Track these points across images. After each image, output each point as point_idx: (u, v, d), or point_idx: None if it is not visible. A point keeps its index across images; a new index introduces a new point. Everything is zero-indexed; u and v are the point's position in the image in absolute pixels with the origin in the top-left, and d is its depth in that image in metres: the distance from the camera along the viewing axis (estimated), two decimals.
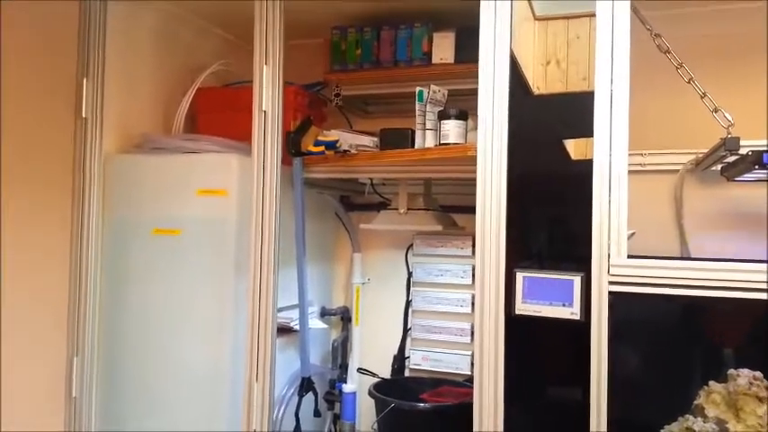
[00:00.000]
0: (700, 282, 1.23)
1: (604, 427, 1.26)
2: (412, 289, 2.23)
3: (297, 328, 1.88)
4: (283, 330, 1.94)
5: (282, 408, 1.88)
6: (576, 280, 1.29)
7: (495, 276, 1.35)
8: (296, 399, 1.86)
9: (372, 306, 2.28)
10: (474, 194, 1.38)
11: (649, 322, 1.30)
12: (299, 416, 1.82)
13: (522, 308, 1.33)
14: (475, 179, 1.39)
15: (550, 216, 1.37)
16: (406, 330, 2.23)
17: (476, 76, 1.45)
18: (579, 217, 1.31)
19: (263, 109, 1.62)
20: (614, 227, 1.28)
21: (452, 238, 2.17)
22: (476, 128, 1.38)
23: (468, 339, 2.14)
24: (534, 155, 1.42)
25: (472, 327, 2.14)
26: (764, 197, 1.76)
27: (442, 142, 1.54)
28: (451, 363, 2.15)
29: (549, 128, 1.48)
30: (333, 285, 2.34)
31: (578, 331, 1.29)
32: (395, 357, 2.22)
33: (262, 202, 1.60)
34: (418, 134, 1.62)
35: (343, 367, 2.23)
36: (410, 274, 2.23)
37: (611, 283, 1.28)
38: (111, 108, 1.87)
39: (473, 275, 2.13)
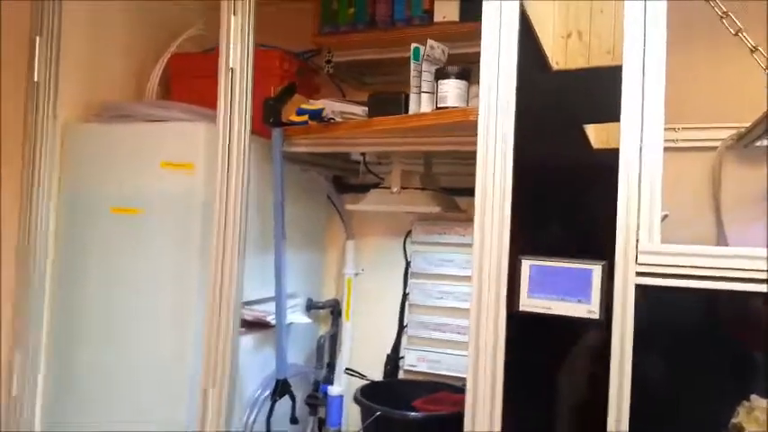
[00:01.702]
0: (750, 274, 0.99)
1: None
2: (410, 281, 2.00)
3: (273, 322, 1.67)
4: (259, 325, 1.72)
5: (255, 412, 1.66)
6: (596, 270, 1.05)
7: (497, 265, 1.12)
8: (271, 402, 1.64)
9: (365, 299, 2.06)
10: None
11: (684, 323, 1.06)
12: (273, 422, 1.60)
13: (528, 303, 1.09)
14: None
15: (565, 199, 1.13)
16: (401, 327, 2.00)
17: None
18: (600, 199, 1.07)
19: (231, 66, 1.40)
20: (645, 204, 1.03)
21: (455, 225, 1.94)
22: None
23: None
24: (550, 133, 1.18)
25: None
26: None
27: (439, 106, 1.31)
28: (451, 365, 1.92)
29: (568, 106, 1.23)
30: (323, 276, 2.12)
31: (596, 333, 1.05)
32: (388, 357, 2.00)
33: (227, 175, 1.38)
34: (413, 98, 1.38)
35: (330, 367, 2.00)
36: (408, 264, 2.00)
37: (640, 274, 1.03)
38: (73, 73, 1.66)
39: None
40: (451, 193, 1.80)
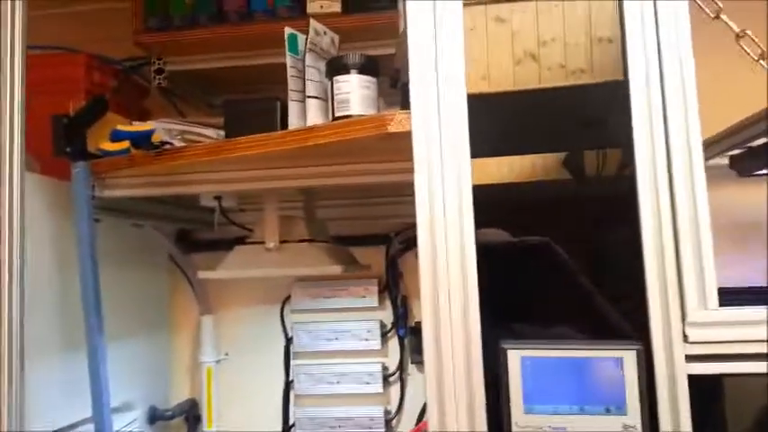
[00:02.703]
0: None
1: None
2: (293, 363, 1.49)
3: None
4: None
5: None
6: (628, 357, 0.64)
7: (464, 362, 0.67)
8: None
9: (234, 395, 1.51)
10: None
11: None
12: None
13: (527, 423, 0.66)
14: (406, 183, 0.73)
15: (561, 251, 0.73)
16: (287, 429, 1.48)
17: (376, 35, 1.03)
18: (621, 250, 0.69)
19: None
20: (688, 252, 0.66)
21: (349, 284, 1.48)
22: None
23: (381, 431, 1.44)
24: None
25: (386, 413, 1.45)
26: None
27: (338, 115, 0.85)
28: None
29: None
30: (170, 369, 1.53)
31: None
32: None
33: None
34: (293, 107, 0.92)
35: None
36: (289, 341, 1.49)
37: (692, 358, 0.65)
38: None
39: (382, 335, 1.46)
40: (344, 243, 1.34)
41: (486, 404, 0.66)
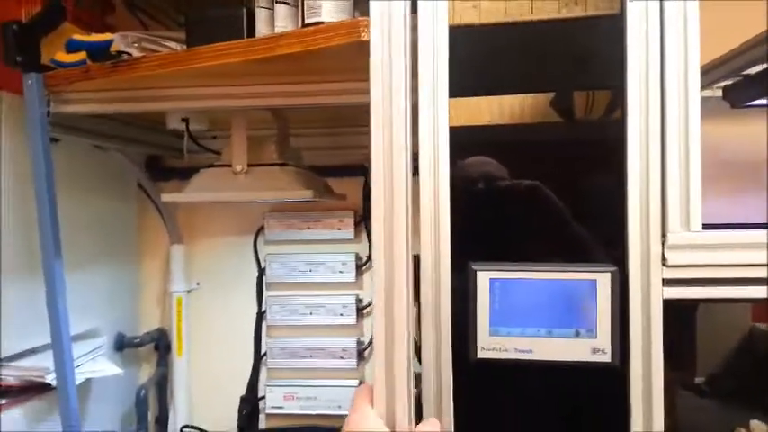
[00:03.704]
0: None
1: None
2: (266, 294, 1.47)
3: (55, 383, 1.05)
4: (33, 390, 1.09)
5: None
6: (602, 279, 0.62)
7: (432, 282, 0.64)
8: None
9: (204, 324, 1.49)
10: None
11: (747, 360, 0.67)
12: None
13: (492, 344, 0.63)
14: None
15: (538, 167, 0.68)
16: (258, 358, 1.47)
17: None
18: (600, 162, 0.65)
19: None
20: (674, 166, 0.62)
21: (324, 216, 1.44)
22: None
23: (353, 362, 1.43)
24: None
25: (359, 343, 1.44)
26: None
27: (307, 22, 0.79)
28: (332, 400, 1.43)
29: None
30: (140, 298, 1.50)
31: (607, 391, 0.63)
32: (242, 400, 1.45)
33: None
34: (260, 14, 0.85)
35: (161, 424, 1.42)
36: (262, 272, 1.47)
37: (669, 282, 0.62)
38: None
39: (357, 267, 1.43)
40: (320, 173, 1.29)
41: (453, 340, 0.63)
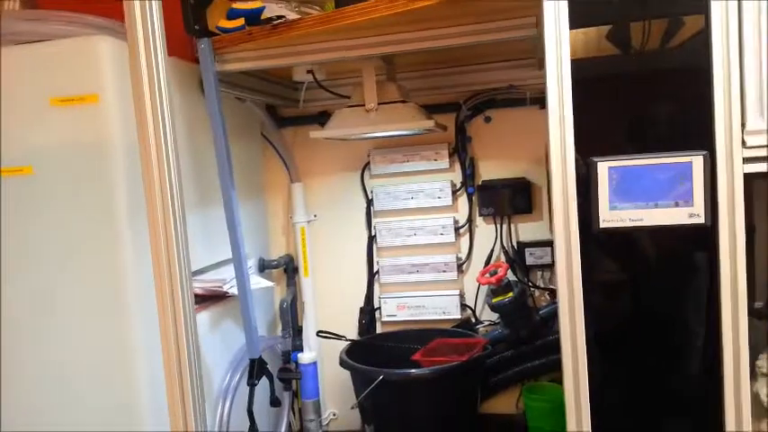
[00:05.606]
0: None
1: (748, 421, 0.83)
2: (374, 221, 1.71)
3: (232, 292, 1.32)
4: (213, 298, 1.37)
5: (228, 402, 1.33)
6: (696, 162, 0.82)
7: (561, 173, 0.85)
8: (243, 387, 1.32)
9: (325, 249, 1.74)
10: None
11: None
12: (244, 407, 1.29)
13: (611, 217, 0.85)
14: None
15: (641, 78, 0.88)
16: (372, 275, 1.72)
17: None
18: (689, 70, 0.84)
19: None
20: (751, 66, 0.81)
21: (421, 149, 1.66)
22: None
23: (454, 275, 1.67)
24: None
25: (458, 259, 1.67)
26: None
27: None
28: (437, 307, 1.68)
29: None
30: (269, 229, 1.77)
31: (703, 243, 0.84)
32: (361, 311, 1.72)
33: (150, 108, 0.96)
34: None
35: (296, 332, 1.70)
36: (370, 202, 1.70)
37: (748, 160, 0.82)
38: None
39: (453, 193, 1.65)
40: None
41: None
